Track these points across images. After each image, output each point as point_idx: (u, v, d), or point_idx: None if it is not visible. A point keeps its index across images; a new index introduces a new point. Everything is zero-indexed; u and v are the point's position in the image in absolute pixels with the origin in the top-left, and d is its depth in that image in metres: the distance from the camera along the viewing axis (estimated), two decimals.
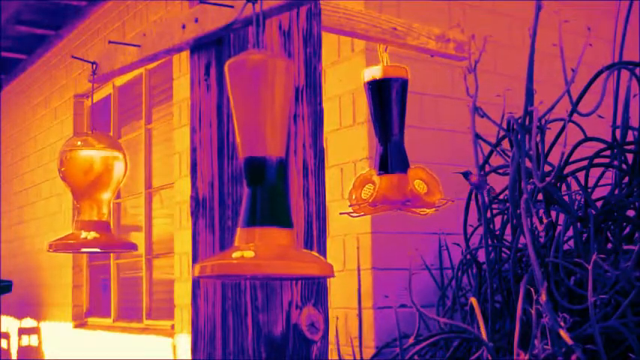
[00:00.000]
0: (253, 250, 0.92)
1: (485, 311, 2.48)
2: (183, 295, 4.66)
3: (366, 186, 1.51)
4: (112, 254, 5.88)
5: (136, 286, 5.71)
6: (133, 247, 1.58)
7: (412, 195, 1.46)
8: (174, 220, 4.89)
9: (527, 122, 2.37)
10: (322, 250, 1.33)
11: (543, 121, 2.41)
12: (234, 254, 0.91)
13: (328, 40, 1.64)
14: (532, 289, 2.13)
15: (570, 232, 2.42)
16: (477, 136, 2.41)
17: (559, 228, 2.39)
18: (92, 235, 1.51)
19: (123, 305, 6.01)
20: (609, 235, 2.40)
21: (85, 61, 1.58)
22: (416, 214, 1.52)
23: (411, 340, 2.54)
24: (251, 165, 0.96)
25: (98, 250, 1.59)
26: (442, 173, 1.65)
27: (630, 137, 2.51)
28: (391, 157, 1.49)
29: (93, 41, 6.31)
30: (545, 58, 2.85)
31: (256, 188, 0.95)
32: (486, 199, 2.56)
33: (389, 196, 1.46)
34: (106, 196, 1.55)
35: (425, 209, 1.49)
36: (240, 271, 0.91)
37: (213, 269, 0.92)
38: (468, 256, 2.74)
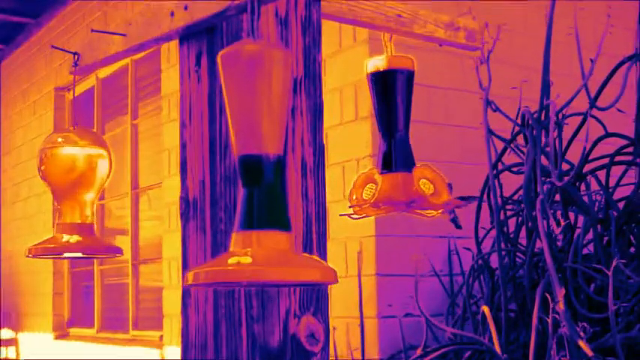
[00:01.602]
0: (251, 255, 0.92)
1: (498, 321, 2.48)
2: (172, 303, 4.66)
3: (368, 185, 1.51)
4: (95, 260, 5.88)
5: (122, 294, 5.71)
6: (118, 251, 1.59)
7: (417, 195, 1.46)
8: (162, 223, 4.90)
9: (543, 117, 2.37)
10: (322, 255, 1.33)
11: (561, 116, 2.41)
12: (230, 260, 0.91)
13: (329, 29, 1.64)
14: (549, 296, 2.13)
15: (590, 236, 2.42)
16: (490, 132, 2.41)
17: (578, 231, 2.39)
18: (74, 238, 1.52)
19: (107, 315, 6.02)
20: (632, 238, 2.40)
21: (66, 51, 1.58)
22: (422, 216, 1.52)
23: (419, 352, 2.54)
24: (247, 164, 0.96)
25: (81, 255, 1.59)
26: (451, 172, 1.65)
27: None
28: (395, 154, 1.49)
29: (74, 30, 6.32)
30: (562, 48, 2.85)
31: (253, 189, 0.95)
32: (499, 199, 2.57)
33: (392, 196, 1.47)
34: (90, 196, 1.55)
35: (431, 211, 1.49)
36: (238, 279, 0.92)
37: (207, 277, 0.93)
38: (480, 262, 2.74)
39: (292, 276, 0.92)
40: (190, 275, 0.93)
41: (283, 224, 0.96)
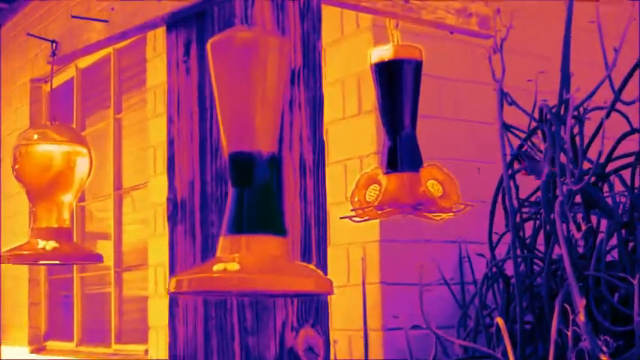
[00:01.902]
0: (238, 261, 0.92)
1: (513, 334, 2.48)
2: (158, 314, 4.66)
3: (372, 186, 1.51)
4: (74, 267, 5.88)
5: (104, 304, 5.71)
6: (99, 258, 1.59)
7: (425, 197, 1.45)
8: (148, 227, 4.90)
9: (562, 111, 2.36)
10: (322, 262, 1.33)
11: (581, 110, 2.41)
12: (216, 267, 0.91)
13: (329, 15, 1.64)
14: (568, 307, 2.13)
15: (614, 241, 2.42)
16: (504, 128, 2.41)
17: (600, 236, 2.39)
18: (51, 244, 1.51)
19: (88, 327, 6.02)
20: None
21: (44, 39, 1.58)
22: (430, 220, 1.52)
23: None
24: (237, 161, 0.96)
25: (58, 262, 1.59)
26: (462, 172, 1.65)
27: None
28: (401, 152, 1.49)
29: (53, 16, 6.32)
30: (583, 36, 2.85)
31: (243, 189, 0.96)
32: (515, 201, 2.56)
33: (398, 198, 1.46)
34: (68, 198, 1.55)
35: (440, 214, 1.48)
36: (223, 287, 0.91)
37: (190, 284, 0.93)
38: (494, 269, 2.75)
39: (283, 285, 0.92)
40: (173, 282, 0.93)
41: (276, 228, 0.96)
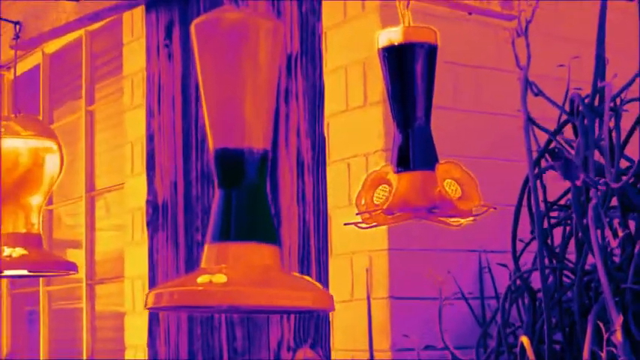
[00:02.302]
0: (225, 273, 0.92)
1: (540, 354, 2.47)
2: (136, 332, 4.65)
3: (380, 187, 1.50)
4: (41, 279, 5.88)
5: (74, 321, 5.70)
6: (73, 267, 1.58)
7: (441, 199, 1.44)
8: (124, 234, 4.90)
9: (597, 102, 2.36)
10: (322, 274, 1.34)
11: (618, 101, 2.40)
12: (201, 279, 0.91)
13: None
14: (603, 325, 2.13)
15: None
16: (530, 121, 2.41)
17: None
18: (18, 252, 1.51)
19: (56, 346, 6.01)
20: None
21: (6, 20, 1.58)
22: (447, 225, 1.50)
23: None
24: (225, 159, 0.96)
25: (26, 272, 1.59)
26: (482, 170, 1.64)
27: None
28: (414, 148, 1.48)
29: None
30: (620, 16, 2.85)
31: (231, 190, 0.95)
32: (542, 204, 2.56)
33: (410, 200, 1.45)
34: (36, 200, 1.55)
35: (458, 219, 1.47)
36: (208, 302, 0.91)
37: (171, 299, 0.92)
38: (518, 282, 2.73)
39: (277, 300, 0.91)
40: (152, 296, 0.93)
41: (269, 235, 0.96)
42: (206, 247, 0.96)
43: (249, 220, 0.95)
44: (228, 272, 0.92)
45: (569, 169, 2.35)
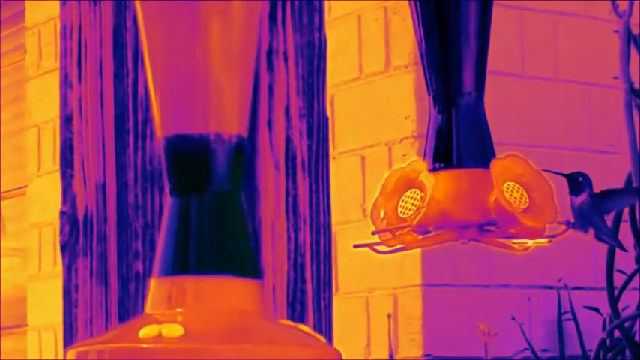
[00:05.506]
0: (182, 322, 0.79)
1: None
2: None
3: (408, 192, 1.34)
4: None
5: None
6: None
7: (499, 211, 1.26)
8: (27, 262, 4.61)
9: None
10: (324, 321, 1.29)
11: None
12: (144, 331, 0.78)
13: None
14: None
15: None
16: (635, 93, 2.20)
17: None
18: None
19: None
20: None
21: None
22: (508, 249, 1.31)
23: None
24: (180, 151, 0.85)
25: None
26: (561, 167, 1.44)
27: None
28: (458, 135, 1.31)
29: None
30: None
31: (190, 198, 0.84)
32: None
33: (453, 212, 1.29)
34: None
35: (525, 239, 1.30)
36: None
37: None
38: (616, 333, 2.54)
39: None
40: (72, 354, 0.80)
41: (244, 265, 0.85)
42: (152, 281, 0.84)
43: (215, 244, 0.84)
44: (186, 321, 0.80)
45: None
